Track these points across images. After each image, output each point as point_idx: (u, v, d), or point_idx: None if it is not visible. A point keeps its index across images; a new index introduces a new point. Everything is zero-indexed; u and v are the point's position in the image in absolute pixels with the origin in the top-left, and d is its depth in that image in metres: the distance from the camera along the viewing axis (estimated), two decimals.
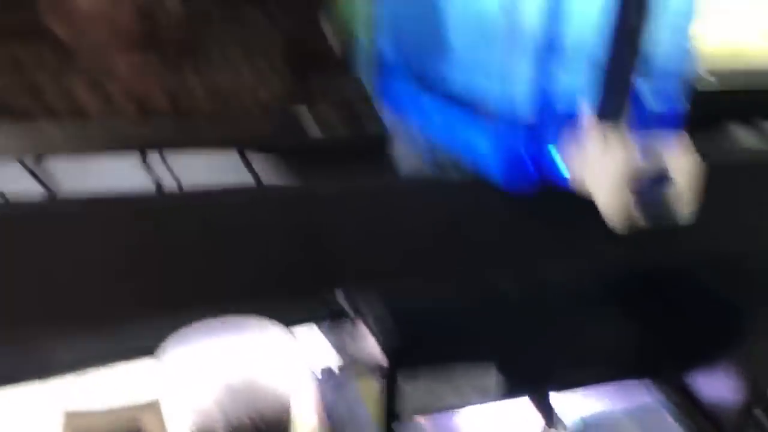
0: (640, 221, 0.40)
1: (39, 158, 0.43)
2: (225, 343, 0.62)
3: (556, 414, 0.78)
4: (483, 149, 0.44)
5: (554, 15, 0.39)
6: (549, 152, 0.42)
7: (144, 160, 0.45)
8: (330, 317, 0.77)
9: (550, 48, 0.40)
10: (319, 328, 0.78)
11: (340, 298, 0.80)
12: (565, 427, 0.78)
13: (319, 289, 0.50)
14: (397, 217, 0.46)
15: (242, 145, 0.47)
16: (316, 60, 0.47)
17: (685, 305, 0.78)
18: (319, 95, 0.48)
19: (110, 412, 0.63)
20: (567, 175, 0.41)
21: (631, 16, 0.39)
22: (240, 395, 0.59)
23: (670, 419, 0.80)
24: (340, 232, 0.45)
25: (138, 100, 0.44)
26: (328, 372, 0.78)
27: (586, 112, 0.41)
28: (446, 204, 0.48)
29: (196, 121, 0.46)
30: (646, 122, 0.41)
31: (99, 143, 0.44)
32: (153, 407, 0.61)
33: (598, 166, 0.40)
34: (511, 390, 0.76)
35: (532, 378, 0.78)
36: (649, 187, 0.39)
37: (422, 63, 0.50)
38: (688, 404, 0.80)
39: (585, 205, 0.40)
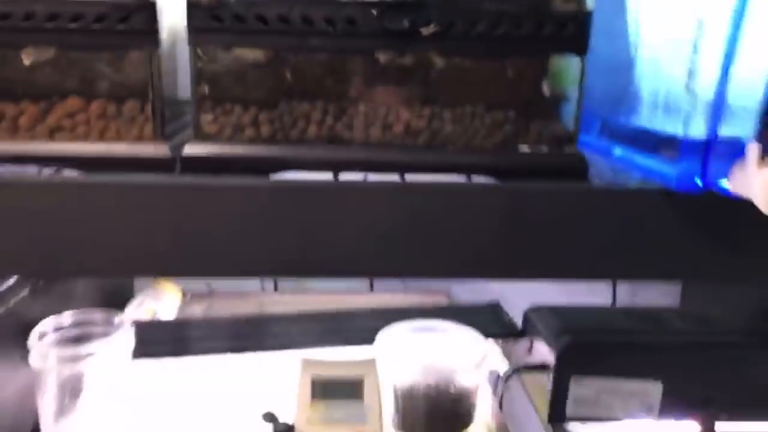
0: None
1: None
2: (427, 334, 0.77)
3: None
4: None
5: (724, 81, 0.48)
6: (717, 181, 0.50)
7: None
8: (506, 335, 0.81)
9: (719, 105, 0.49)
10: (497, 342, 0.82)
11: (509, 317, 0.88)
12: None
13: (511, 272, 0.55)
14: (587, 218, 0.53)
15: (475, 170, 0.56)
16: (537, 111, 0.57)
17: None
18: (535, 137, 0.57)
19: (338, 363, 0.75)
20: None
21: None
22: (435, 369, 0.72)
23: None
24: (536, 227, 0.53)
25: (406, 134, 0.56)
26: (502, 374, 0.79)
27: (752, 149, 0.47)
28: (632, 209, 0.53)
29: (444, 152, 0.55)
30: None
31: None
32: (371, 364, 0.75)
33: (756, 180, 0.46)
34: (675, 412, 0.73)
35: (698, 404, 0.74)
36: None
37: (616, 116, 0.62)
38: None
39: None
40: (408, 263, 0.55)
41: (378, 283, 1.15)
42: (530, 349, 0.81)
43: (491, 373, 0.84)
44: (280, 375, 0.77)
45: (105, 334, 0.69)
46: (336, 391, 0.70)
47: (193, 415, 0.74)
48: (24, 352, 0.69)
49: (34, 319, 0.71)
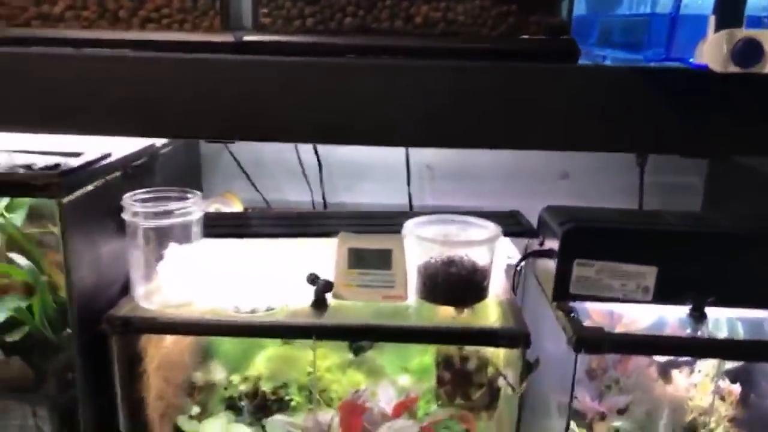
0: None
1: None
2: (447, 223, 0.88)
3: (707, 321, 0.82)
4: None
5: None
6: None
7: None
8: (523, 234, 0.93)
9: None
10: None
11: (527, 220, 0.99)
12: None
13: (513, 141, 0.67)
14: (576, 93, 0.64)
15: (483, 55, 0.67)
16: (536, 4, 0.67)
17: None
18: (534, 27, 0.67)
19: (370, 236, 0.86)
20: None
21: None
22: (452, 243, 0.83)
23: None
24: (535, 104, 0.63)
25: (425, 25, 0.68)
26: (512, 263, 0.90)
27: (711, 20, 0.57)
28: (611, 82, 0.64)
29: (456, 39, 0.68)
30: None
31: None
32: (398, 238, 0.85)
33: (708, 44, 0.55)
34: (668, 295, 0.81)
35: (689, 289, 0.82)
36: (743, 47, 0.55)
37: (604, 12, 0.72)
38: None
39: None
40: (425, 133, 0.66)
41: (416, 204, 1.27)
42: (542, 243, 0.91)
43: (508, 266, 0.95)
44: (323, 254, 0.90)
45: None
46: (368, 260, 0.82)
47: (250, 278, 0.87)
48: (113, 222, 0.84)
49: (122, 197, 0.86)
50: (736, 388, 0.93)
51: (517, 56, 0.65)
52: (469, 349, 0.84)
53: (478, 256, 0.82)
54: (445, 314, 0.83)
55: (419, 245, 0.83)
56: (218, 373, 1.05)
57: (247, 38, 0.67)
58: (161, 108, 0.66)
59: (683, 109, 0.61)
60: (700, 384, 0.96)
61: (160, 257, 0.81)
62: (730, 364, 0.95)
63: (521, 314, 0.80)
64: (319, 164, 1.25)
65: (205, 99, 0.66)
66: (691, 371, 0.96)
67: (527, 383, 0.78)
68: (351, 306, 0.82)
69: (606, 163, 1.24)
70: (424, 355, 1.09)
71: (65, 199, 0.73)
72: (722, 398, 0.95)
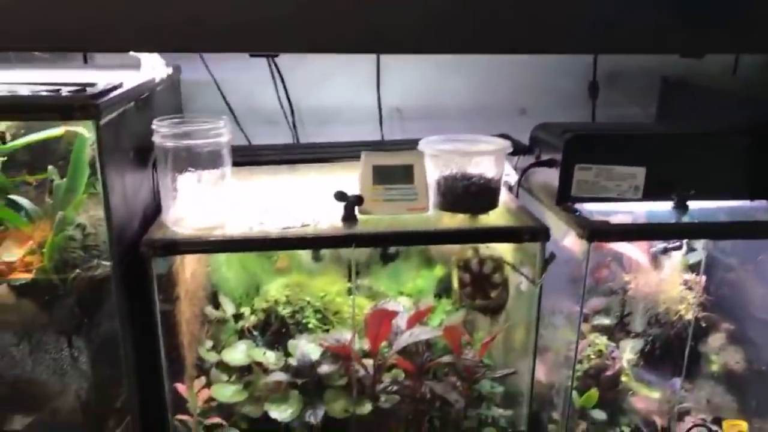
0: None
1: None
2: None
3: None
4: None
5: None
6: None
7: None
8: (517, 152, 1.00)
9: None
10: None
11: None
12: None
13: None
14: None
15: None
16: None
17: None
18: None
19: (392, 153, 0.90)
20: None
21: None
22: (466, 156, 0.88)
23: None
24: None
25: None
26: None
27: None
28: None
29: None
30: None
31: None
32: (419, 154, 0.90)
33: None
34: (656, 192, 0.92)
35: (673, 185, 0.92)
36: None
37: None
38: None
39: None
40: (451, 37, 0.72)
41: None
42: (538, 156, 0.98)
43: (505, 183, 1.02)
44: (337, 177, 0.93)
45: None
46: (392, 176, 0.86)
47: (273, 202, 0.89)
48: (132, 153, 0.83)
49: (137, 126, 0.85)
50: (702, 278, 1.06)
51: None
52: (484, 253, 0.91)
53: (490, 168, 0.88)
54: (462, 222, 0.89)
55: (437, 160, 0.88)
56: (228, 308, 1.06)
57: None
58: (192, 21, 0.67)
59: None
60: (669, 278, 1.08)
61: (189, 182, 0.81)
62: (693, 260, 1.08)
63: (534, 215, 0.87)
64: (291, 108, 1.27)
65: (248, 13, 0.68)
66: (661, 268, 1.09)
67: (546, 275, 0.85)
68: (377, 219, 0.86)
69: (559, 99, 1.34)
70: (417, 279, 1.15)
71: (102, 121, 0.72)
72: (690, 288, 1.08)
